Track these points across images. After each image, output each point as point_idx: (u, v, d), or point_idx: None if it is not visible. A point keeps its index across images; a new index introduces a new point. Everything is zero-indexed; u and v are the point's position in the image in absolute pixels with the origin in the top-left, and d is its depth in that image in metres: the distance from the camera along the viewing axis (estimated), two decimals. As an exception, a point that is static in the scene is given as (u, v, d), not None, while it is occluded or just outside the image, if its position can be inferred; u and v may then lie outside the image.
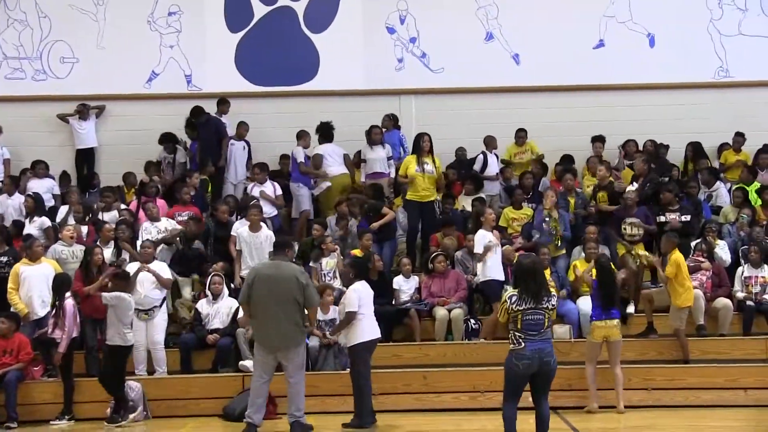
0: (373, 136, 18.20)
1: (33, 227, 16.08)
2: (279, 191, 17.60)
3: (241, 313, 14.50)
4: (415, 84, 19.83)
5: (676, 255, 14.60)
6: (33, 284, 14.43)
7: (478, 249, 15.15)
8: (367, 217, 16.55)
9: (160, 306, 14.54)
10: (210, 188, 18.30)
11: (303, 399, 12.21)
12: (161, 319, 14.55)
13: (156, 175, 18.44)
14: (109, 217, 16.71)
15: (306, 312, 12.13)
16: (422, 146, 16.79)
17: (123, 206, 17.25)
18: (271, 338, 12.02)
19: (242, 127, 18.77)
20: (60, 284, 13.87)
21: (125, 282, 13.46)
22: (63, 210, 16.93)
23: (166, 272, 14.80)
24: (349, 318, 12.58)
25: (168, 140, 18.75)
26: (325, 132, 18.19)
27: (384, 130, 18.39)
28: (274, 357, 12.10)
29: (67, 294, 13.75)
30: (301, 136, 18.21)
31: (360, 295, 12.61)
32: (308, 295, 12.08)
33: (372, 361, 12.87)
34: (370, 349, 12.68)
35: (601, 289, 13.48)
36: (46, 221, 16.25)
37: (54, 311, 13.73)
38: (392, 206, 17.44)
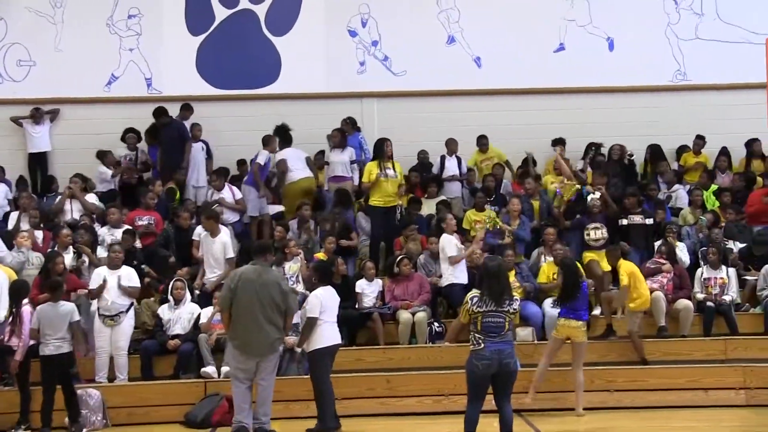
0: (332, 140, 18.22)
1: None
2: (239, 195, 17.49)
3: (203, 319, 14.49)
4: (377, 87, 19.86)
5: (625, 265, 14.66)
6: None
7: (452, 251, 15.10)
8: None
9: (127, 311, 14.36)
10: (178, 196, 18.08)
11: (270, 404, 12.19)
12: (128, 325, 14.34)
13: (114, 167, 18.32)
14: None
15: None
16: (385, 151, 16.79)
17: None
18: (255, 344, 11.95)
19: (196, 128, 18.63)
20: (17, 291, 13.51)
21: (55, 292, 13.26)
22: (14, 216, 16.61)
23: (134, 280, 14.59)
24: (311, 324, 12.49)
25: (133, 132, 18.60)
26: (284, 135, 18.13)
27: (345, 133, 18.39)
28: (255, 362, 12.04)
29: (25, 301, 13.47)
30: (268, 142, 17.97)
31: (322, 301, 12.54)
32: (289, 301, 12.14)
33: (335, 366, 12.84)
34: (330, 355, 12.61)
35: (566, 287, 13.50)
36: None
37: (11, 318, 13.34)
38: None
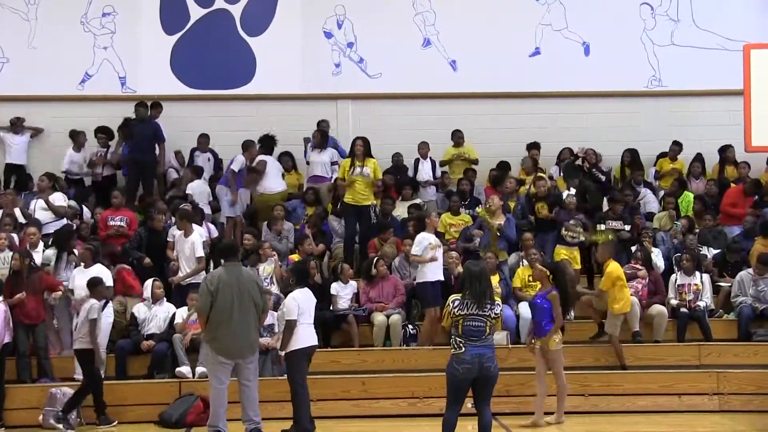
0: (313, 140, 18.27)
1: None
2: (214, 233, 16.99)
3: (178, 319, 14.42)
4: (352, 89, 19.85)
5: (611, 267, 14.61)
6: None
7: (417, 250, 14.99)
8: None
9: (102, 310, 14.14)
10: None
11: (258, 404, 12.09)
12: (105, 323, 14.13)
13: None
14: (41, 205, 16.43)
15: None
16: (354, 150, 16.80)
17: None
18: (235, 346, 11.80)
19: (204, 139, 18.47)
20: None
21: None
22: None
23: (108, 280, 14.44)
24: (290, 326, 12.40)
25: (103, 132, 18.48)
26: (268, 144, 18.05)
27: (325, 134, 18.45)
28: (233, 364, 11.88)
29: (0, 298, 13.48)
30: (247, 147, 17.78)
31: (299, 303, 12.45)
32: (265, 300, 12.15)
33: (310, 367, 12.77)
34: (307, 356, 12.52)
35: (563, 295, 13.17)
36: None
37: None
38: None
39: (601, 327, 14.98)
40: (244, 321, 11.81)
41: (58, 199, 16.68)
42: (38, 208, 16.51)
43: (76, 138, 18.47)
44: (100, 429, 13.30)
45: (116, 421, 13.41)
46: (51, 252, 15.12)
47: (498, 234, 15.81)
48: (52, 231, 15.98)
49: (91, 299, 13.33)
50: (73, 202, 17.39)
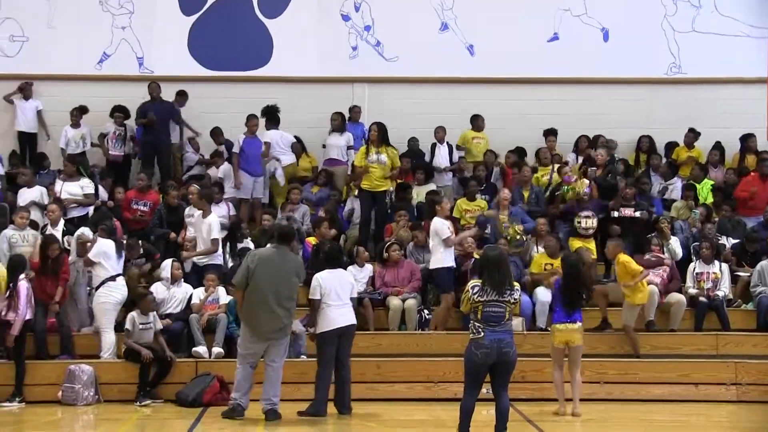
0: (332, 123, 18.23)
1: None
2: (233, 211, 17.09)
3: (195, 300, 14.45)
4: (369, 72, 19.75)
5: (623, 260, 14.50)
6: None
7: (446, 233, 14.75)
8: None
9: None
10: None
11: (280, 386, 12.23)
12: (102, 301, 14.14)
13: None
14: (72, 188, 16.40)
15: None
16: (369, 136, 16.76)
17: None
18: (265, 327, 12.02)
19: (252, 121, 18.17)
20: (14, 266, 13.70)
21: None
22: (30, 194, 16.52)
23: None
24: (313, 306, 12.52)
25: (120, 111, 18.42)
26: (271, 116, 18.08)
27: (350, 120, 18.45)
28: (264, 345, 12.11)
29: (21, 276, 13.59)
30: (248, 120, 17.94)
31: (321, 283, 12.48)
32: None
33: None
34: (333, 340, 12.46)
35: (567, 288, 12.92)
36: None
37: (8, 293, 13.51)
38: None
39: (604, 319, 14.92)
40: (275, 304, 11.98)
41: (86, 186, 16.70)
42: (64, 191, 16.52)
43: (73, 114, 18.42)
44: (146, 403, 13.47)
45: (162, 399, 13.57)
46: (87, 230, 15.06)
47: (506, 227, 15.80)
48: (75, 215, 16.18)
49: None
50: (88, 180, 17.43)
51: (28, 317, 13.51)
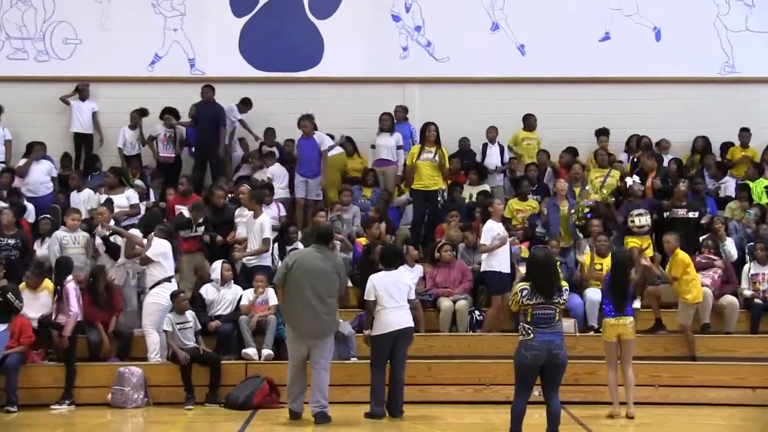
0: (381, 123, 18.25)
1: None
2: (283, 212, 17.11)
3: (244, 301, 14.47)
4: (420, 73, 19.71)
5: (681, 255, 14.42)
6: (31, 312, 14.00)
7: (485, 240, 14.97)
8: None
9: (151, 289, 14.30)
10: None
11: (327, 389, 12.22)
12: (149, 302, 14.25)
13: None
14: (118, 200, 16.38)
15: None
16: (427, 135, 16.76)
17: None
18: (304, 326, 12.09)
19: (304, 122, 18.01)
20: (61, 268, 13.80)
21: None
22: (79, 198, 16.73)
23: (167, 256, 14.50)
24: (366, 307, 12.54)
25: (169, 113, 18.55)
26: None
27: (395, 120, 18.41)
28: (306, 345, 12.15)
29: (69, 277, 13.65)
30: (300, 121, 17.92)
31: (376, 284, 12.42)
32: (342, 285, 12.44)
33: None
34: (387, 343, 12.38)
35: (614, 285, 12.91)
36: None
37: (56, 296, 13.64)
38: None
39: (658, 321, 14.77)
40: (315, 302, 12.00)
41: (131, 196, 16.67)
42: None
43: (132, 116, 18.55)
44: (207, 407, 13.54)
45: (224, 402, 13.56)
46: (137, 231, 15.14)
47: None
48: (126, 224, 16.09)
49: None
50: (140, 182, 17.53)
51: (79, 318, 13.59)
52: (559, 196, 16.14)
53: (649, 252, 15.04)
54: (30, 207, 16.55)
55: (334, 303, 12.25)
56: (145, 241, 14.57)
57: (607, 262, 14.44)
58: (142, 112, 18.62)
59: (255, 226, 15.21)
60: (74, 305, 13.49)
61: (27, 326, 13.71)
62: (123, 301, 14.69)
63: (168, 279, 14.18)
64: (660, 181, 16.91)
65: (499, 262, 14.92)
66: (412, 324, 12.65)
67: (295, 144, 18.19)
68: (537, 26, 19.64)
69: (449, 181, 17.67)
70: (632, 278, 13.44)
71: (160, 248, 14.29)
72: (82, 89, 18.94)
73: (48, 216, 16.01)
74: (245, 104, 18.95)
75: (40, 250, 15.31)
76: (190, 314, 14.01)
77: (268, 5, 19.70)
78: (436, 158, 16.70)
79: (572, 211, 15.89)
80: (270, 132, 18.69)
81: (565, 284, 10.64)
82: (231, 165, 18.95)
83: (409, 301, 12.68)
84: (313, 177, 17.73)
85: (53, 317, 13.59)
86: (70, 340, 13.47)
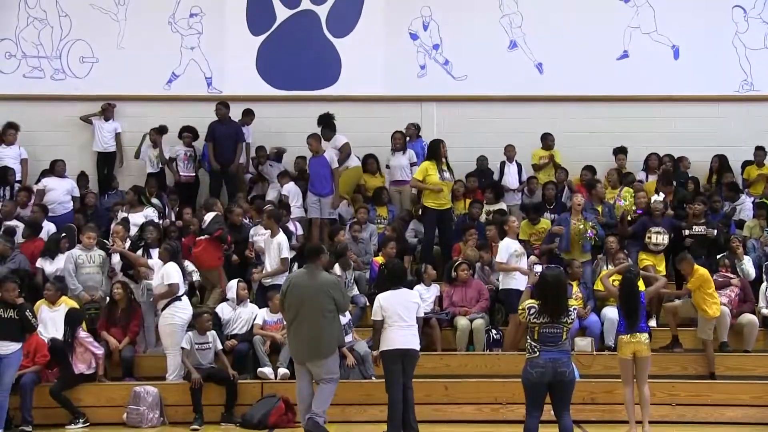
0: (393, 143, 18.23)
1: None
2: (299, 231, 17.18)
3: (259, 320, 14.43)
4: (437, 91, 19.71)
5: (701, 271, 14.37)
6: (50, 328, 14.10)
7: (502, 257, 14.90)
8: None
9: (164, 309, 14.14)
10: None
11: (327, 403, 12.07)
12: (164, 323, 14.11)
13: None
14: (135, 219, 16.40)
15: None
16: (441, 152, 16.54)
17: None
18: (299, 348, 12.05)
19: (310, 141, 18.04)
20: (72, 320, 13.87)
21: None
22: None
23: (171, 277, 14.22)
24: (374, 327, 12.39)
25: (188, 131, 18.57)
26: (330, 123, 18.15)
27: (407, 138, 18.36)
28: (303, 365, 12.09)
29: (79, 330, 13.86)
30: (307, 140, 17.95)
31: (383, 304, 12.26)
32: (339, 303, 12.13)
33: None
34: (395, 359, 12.17)
35: (624, 302, 12.85)
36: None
37: (70, 347, 13.80)
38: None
39: (674, 338, 14.70)
40: (310, 323, 11.90)
41: (150, 215, 16.65)
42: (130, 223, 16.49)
43: (152, 134, 18.59)
44: (222, 426, 13.52)
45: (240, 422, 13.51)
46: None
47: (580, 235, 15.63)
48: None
49: None
50: (156, 201, 17.55)
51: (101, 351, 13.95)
52: (574, 210, 16.03)
53: (661, 271, 15.00)
54: (50, 226, 16.45)
55: (329, 322, 12.01)
56: (150, 261, 14.67)
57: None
58: (161, 130, 18.62)
59: (272, 245, 15.19)
60: (97, 348, 13.83)
61: (42, 345, 13.70)
62: (141, 319, 14.70)
63: (178, 298, 14.07)
64: (674, 204, 16.84)
65: (516, 280, 14.91)
66: (416, 347, 12.39)
67: (306, 161, 18.15)
68: (555, 44, 19.61)
69: (469, 200, 17.64)
70: (650, 291, 13.38)
71: (177, 274, 14.11)
72: (105, 109, 18.97)
73: (65, 235, 15.92)
74: (247, 115, 18.94)
75: (49, 267, 15.25)
76: (210, 335, 13.97)
77: (285, 24, 19.75)
78: (452, 178, 16.68)
79: (581, 226, 15.76)
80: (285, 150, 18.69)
81: (573, 304, 10.60)
82: (246, 184, 18.94)
83: (417, 319, 12.58)
84: (325, 195, 17.69)
85: (76, 370, 13.72)
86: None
